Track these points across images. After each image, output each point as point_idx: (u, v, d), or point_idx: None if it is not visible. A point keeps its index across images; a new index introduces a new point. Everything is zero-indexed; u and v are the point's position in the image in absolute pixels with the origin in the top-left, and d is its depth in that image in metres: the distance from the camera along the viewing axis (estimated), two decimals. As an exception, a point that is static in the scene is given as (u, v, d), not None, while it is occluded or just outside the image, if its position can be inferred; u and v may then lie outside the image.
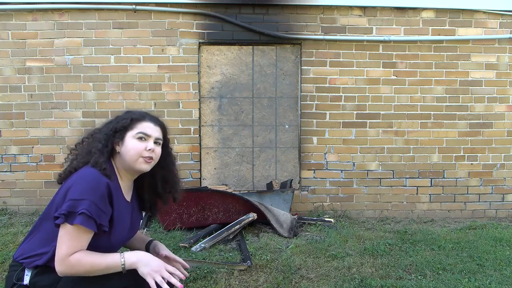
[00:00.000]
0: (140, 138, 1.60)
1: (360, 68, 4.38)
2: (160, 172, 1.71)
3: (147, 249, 1.79)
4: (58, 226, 1.45)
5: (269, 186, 4.38)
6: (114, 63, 4.26)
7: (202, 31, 4.28)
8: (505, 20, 4.41)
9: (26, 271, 1.52)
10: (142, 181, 1.74)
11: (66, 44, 4.23)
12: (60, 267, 1.42)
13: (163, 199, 1.80)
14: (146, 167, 1.62)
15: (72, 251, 1.42)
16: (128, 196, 1.69)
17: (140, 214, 1.84)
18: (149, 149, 1.59)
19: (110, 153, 1.60)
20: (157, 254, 1.76)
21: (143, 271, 1.45)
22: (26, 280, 1.51)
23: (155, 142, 1.63)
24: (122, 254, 1.48)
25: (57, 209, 1.46)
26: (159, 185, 1.74)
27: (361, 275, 2.67)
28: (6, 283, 1.61)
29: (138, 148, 1.58)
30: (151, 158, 1.61)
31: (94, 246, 1.54)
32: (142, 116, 1.64)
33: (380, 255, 3.07)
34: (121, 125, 1.60)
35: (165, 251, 1.77)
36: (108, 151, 1.58)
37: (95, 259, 1.44)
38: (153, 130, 1.63)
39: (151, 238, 1.87)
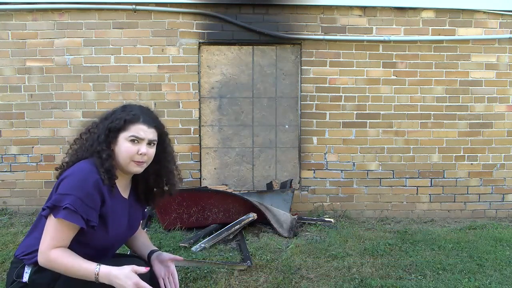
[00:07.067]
0: (133, 141, 1.58)
1: (360, 68, 4.38)
2: (153, 167, 1.70)
3: (149, 257, 1.78)
4: (46, 217, 1.47)
5: (269, 186, 4.38)
6: (114, 63, 4.26)
7: (202, 31, 4.28)
8: (505, 20, 4.40)
9: (26, 268, 1.53)
10: (137, 174, 1.72)
11: (66, 44, 4.23)
12: (40, 258, 1.45)
13: (156, 192, 1.80)
14: (137, 170, 1.61)
15: (54, 244, 1.44)
16: (125, 193, 1.69)
17: (140, 212, 1.84)
18: (141, 153, 1.57)
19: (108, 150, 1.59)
20: (161, 261, 1.75)
21: (116, 284, 1.40)
22: (26, 277, 1.52)
23: (148, 144, 1.61)
24: (99, 264, 1.43)
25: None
26: (151, 178, 1.73)
27: (361, 275, 2.67)
28: (6, 280, 1.62)
29: (130, 151, 1.57)
30: (143, 161, 1.60)
31: (92, 243, 1.54)
32: (136, 118, 1.60)
33: (380, 255, 3.07)
34: (115, 125, 1.58)
35: (168, 256, 1.77)
36: (106, 150, 1.57)
37: (72, 263, 1.42)
38: (146, 133, 1.59)
39: (156, 248, 1.83)
